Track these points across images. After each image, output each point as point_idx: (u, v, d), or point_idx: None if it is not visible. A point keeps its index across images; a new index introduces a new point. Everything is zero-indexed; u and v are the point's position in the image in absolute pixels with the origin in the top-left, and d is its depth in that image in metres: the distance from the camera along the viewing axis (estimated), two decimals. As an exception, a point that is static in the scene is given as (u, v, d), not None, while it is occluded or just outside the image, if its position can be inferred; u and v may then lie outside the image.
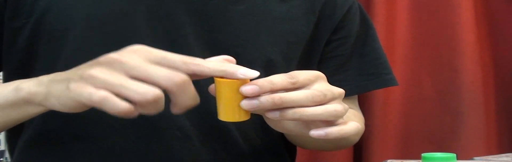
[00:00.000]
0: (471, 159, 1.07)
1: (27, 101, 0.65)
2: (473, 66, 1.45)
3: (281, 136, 0.95)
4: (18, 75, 0.86)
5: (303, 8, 0.92)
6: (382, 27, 1.47)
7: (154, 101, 0.56)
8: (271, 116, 0.63)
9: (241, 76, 0.59)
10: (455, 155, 0.73)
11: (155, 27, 0.83)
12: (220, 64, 0.60)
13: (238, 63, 0.86)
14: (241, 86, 0.61)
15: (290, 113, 0.62)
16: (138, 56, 0.58)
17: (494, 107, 1.50)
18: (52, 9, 0.82)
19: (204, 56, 0.85)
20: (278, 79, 0.63)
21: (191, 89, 0.58)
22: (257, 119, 0.90)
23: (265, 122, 0.90)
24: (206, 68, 0.59)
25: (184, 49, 0.84)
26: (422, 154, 0.72)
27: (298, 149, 1.04)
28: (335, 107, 0.64)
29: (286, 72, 0.90)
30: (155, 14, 0.83)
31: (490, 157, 1.08)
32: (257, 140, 0.90)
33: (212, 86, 0.64)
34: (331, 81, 0.98)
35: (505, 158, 1.05)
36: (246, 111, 0.63)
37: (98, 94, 0.56)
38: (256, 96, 0.61)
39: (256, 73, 0.60)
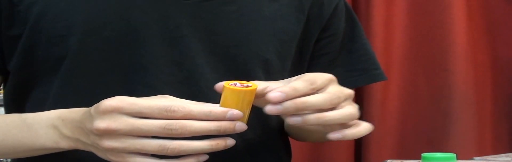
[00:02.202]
0: (471, 159, 1.08)
1: (69, 149, 0.74)
2: (465, 66, 1.46)
3: (279, 135, 0.95)
4: (20, 81, 0.87)
5: (292, 6, 0.92)
6: (380, 29, 1.47)
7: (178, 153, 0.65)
8: (293, 122, 0.68)
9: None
10: (455, 155, 0.73)
11: (153, 30, 0.83)
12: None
13: (236, 64, 0.87)
14: (269, 93, 0.65)
15: (313, 119, 0.68)
16: (120, 115, 0.65)
17: (490, 108, 1.50)
18: (47, 15, 0.82)
19: (204, 57, 0.86)
20: (300, 86, 0.67)
21: (190, 148, 0.66)
22: (255, 118, 0.90)
23: (263, 121, 0.91)
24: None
25: (183, 51, 0.84)
26: (422, 154, 0.72)
27: (297, 148, 1.04)
28: (350, 110, 0.70)
29: (282, 71, 0.92)
30: (150, 17, 0.83)
31: (490, 157, 1.08)
32: (255, 139, 0.91)
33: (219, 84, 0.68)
34: None
35: (505, 158, 1.06)
36: (245, 116, 0.67)
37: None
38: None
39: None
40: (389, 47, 1.49)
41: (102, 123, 0.65)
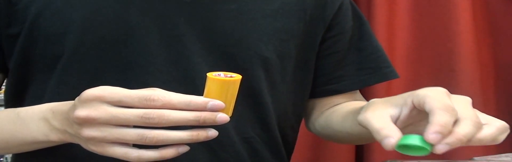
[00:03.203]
0: (471, 159, 1.07)
1: (59, 142, 0.75)
2: (471, 67, 1.45)
3: (279, 134, 0.95)
4: (18, 79, 0.87)
5: (295, 5, 0.92)
6: (382, 28, 1.47)
7: (156, 142, 0.65)
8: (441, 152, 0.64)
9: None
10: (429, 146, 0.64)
11: (149, 28, 0.83)
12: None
13: (235, 63, 0.87)
14: (429, 136, 0.62)
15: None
16: (100, 104, 0.65)
17: (493, 107, 1.50)
18: (44, 14, 0.83)
19: (201, 56, 0.86)
20: (447, 119, 0.64)
21: (168, 137, 0.65)
22: (255, 118, 0.90)
23: (263, 121, 0.91)
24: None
25: (180, 50, 0.84)
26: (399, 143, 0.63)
27: (297, 148, 1.04)
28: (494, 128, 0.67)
29: (282, 71, 0.92)
30: (147, 16, 0.84)
31: (490, 157, 1.07)
32: (256, 139, 0.90)
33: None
34: (333, 77, 0.98)
35: (505, 158, 1.05)
36: (229, 108, 0.66)
37: (119, 152, 0.67)
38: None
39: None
40: (392, 47, 1.48)
41: (82, 112, 0.65)
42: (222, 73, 0.66)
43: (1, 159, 1.71)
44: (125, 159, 0.67)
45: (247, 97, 0.88)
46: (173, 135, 0.65)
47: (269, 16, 0.89)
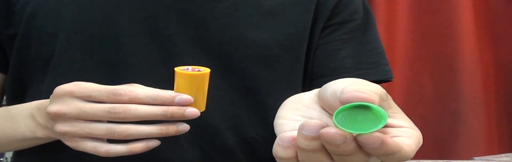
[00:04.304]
0: (471, 159, 1.07)
1: (46, 139, 0.76)
2: (472, 66, 1.45)
3: None
4: (17, 79, 0.88)
5: None
6: (383, 28, 1.46)
7: (125, 137, 0.65)
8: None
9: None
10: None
11: (140, 28, 0.83)
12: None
13: (230, 61, 0.86)
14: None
15: None
16: (71, 99, 0.66)
17: (494, 107, 1.50)
18: (38, 14, 0.83)
19: (193, 55, 0.85)
20: None
21: (137, 132, 0.65)
22: (255, 118, 0.88)
23: (265, 121, 0.89)
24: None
25: (171, 49, 0.83)
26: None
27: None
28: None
29: (288, 67, 0.89)
30: (139, 16, 0.83)
31: (490, 157, 1.08)
32: (256, 139, 0.88)
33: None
34: (327, 69, 0.93)
35: (505, 158, 1.05)
36: (201, 102, 0.66)
37: (88, 146, 0.67)
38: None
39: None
40: (392, 47, 1.48)
41: (54, 107, 0.67)
42: (190, 67, 0.65)
43: (1, 159, 1.71)
44: (94, 153, 0.68)
45: (245, 96, 0.86)
46: (142, 129, 0.65)
47: (269, 12, 0.88)
